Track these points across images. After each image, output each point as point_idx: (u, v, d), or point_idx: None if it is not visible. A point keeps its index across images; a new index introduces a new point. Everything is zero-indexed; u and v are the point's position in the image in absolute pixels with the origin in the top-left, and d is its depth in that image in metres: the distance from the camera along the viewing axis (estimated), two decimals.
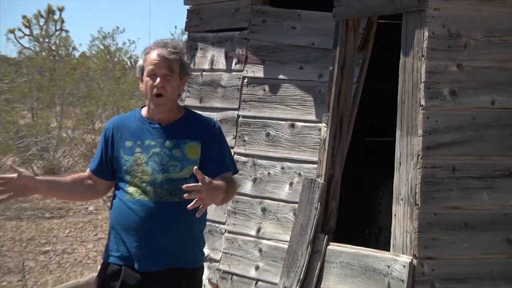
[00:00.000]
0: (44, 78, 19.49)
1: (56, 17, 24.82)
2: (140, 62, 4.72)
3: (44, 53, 22.81)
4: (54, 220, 13.13)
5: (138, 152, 4.68)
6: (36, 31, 24.61)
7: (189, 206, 4.07)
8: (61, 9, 24.93)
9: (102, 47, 22.15)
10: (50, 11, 24.59)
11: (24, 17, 24.23)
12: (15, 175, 4.28)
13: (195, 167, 4.27)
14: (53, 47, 23.69)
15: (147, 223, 4.67)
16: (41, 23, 24.84)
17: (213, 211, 5.89)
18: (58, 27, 24.92)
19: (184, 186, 4.19)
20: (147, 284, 4.65)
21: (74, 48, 23.53)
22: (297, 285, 5.18)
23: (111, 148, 4.74)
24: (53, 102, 19.53)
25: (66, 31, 25.75)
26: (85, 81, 19.33)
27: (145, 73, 4.62)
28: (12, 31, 23.09)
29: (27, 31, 24.57)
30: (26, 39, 24.83)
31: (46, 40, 24.44)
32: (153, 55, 4.66)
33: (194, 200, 4.07)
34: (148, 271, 4.62)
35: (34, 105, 19.28)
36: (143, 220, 4.67)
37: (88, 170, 4.69)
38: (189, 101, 6.28)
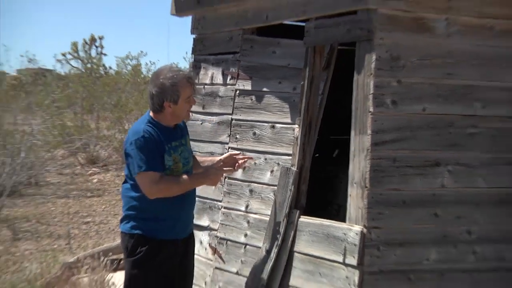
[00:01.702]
0: (86, 90, 19.51)
1: (97, 43, 24.94)
2: (177, 89, 4.77)
3: (87, 71, 22.96)
4: (94, 198, 13.28)
5: (173, 153, 4.86)
6: (81, 54, 24.79)
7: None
8: (101, 38, 25.17)
9: (130, 67, 22.18)
10: (92, 39, 24.71)
11: (73, 43, 24.43)
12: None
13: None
14: (94, 66, 23.87)
15: (186, 203, 5.00)
16: (86, 48, 24.99)
17: (212, 192, 6.07)
18: (98, 51, 25.00)
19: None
20: (180, 246, 5.00)
21: (110, 67, 23.59)
22: (275, 248, 5.19)
23: (160, 153, 4.80)
24: (92, 108, 19.52)
25: (105, 54, 25.86)
26: (117, 93, 19.33)
27: (181, 100, 4.79)
28: (64, 54, 23.31)
29: (75, 54, 24.82)
30: (73, 60, 25.00)
31: (89, 61, 24.65)
32: (190, 91, 4.90)
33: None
34: (182, 237, 5.00)
35: (78, 110, 19.25)
36: (184, 202, 4.96)
37: (157, 173, 4.69)
38: (194, 107, 6.32)
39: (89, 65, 23.56)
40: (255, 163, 5.65)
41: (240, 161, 5.18)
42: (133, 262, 4.83)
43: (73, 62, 24.62)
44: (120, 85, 20.07)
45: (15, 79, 20.50)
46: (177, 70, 4.87)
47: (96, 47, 25.28)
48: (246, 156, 5.33)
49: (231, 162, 5.12)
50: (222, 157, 5.21)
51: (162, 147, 4.73)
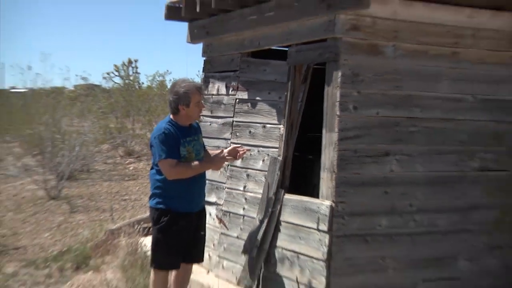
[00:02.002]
0: (124, 100, 19.70)
1: (133, 65, 25.07)
2: (182, 93, 4.99)
3: (125, 86, 23.22)
4: (130, 181, 13.45)
5: (187, 145, 5.00)
6: (121, 73, 25.06)
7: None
8: (136, 60, 25.30)
9: (158, 82, 22.39)
10: (129, 61, 24.92)
11: (115, 65, 24.72)
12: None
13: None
14: (131, 82, 24.14)
15: (198, 184, 5.10)
16: (124, 68, 25.22)
17: (218, 176, 6.18)
18: (134, 70, 25.11)
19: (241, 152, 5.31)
20: (194, 218, 5.11)
21: (142, 83, 23.83)
22: (266, 218, 5.31)
23: (176, 145, 4.92)
24: (129, 114, 19.68)
25: (139, 73, 26.08)
26: (148, 102, 19.50)
27: (192, 104, 4.98)
28: (108, 73, 23.58)
29: (116, 73, 25.01)
30: (116, 78, 25.22)
31: (127, 79, 24.86)
32: (199, 97, 5.07)
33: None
34: (196, 211, 5.12)
35: (118, 115, 19.37)
36: (197, 184, 5.09)
37: (174, 160, 4.90)
38: (204, 112, 6.47)
39: (127, 81, 23.75)
40: (250, 154, 5.67)
41: (240, 152, 5.30)
42: (158, 229, 5.04)
43: (115, 79, 24.91)
44: (150, 96, 20.21)
45: (72, 92, 20.72)
46: (189, 81, 5.13)
47: (132, 67, 25.37)
48: (245, 148, 5.42)
49: (234, 153, 5.27)
50: (226, 150, 5.33)
51: (178, 141, 4.93)
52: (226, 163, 5.76)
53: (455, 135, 5.33)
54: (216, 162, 5.21)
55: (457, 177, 5.31)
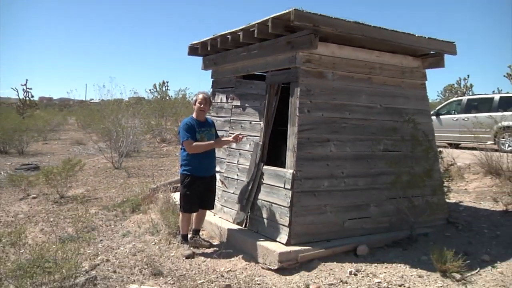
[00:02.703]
0: (159, 107, 19.38)
1: (165, 84, 24.47)
2: (194, 98, 5.01)
3: (160, 98, 22.93)
4: (164, 158, 12.99)
5: (201, 133, 4.83)
6: (158, 89, 24.63)
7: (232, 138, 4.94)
8: (167, 82, 24.76)
9: (181, 95, 22.08)
10: (163, 82, 24.38)
11: (154, 84, 24.25)
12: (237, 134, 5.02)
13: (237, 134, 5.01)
14: (164, 95, 23.77)
15: (209, 159, 4.92)
16: (159, 86, 24.74)
17: (221, 154, 5.90)
18: (166, 88, 24.52)
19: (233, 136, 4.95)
20: (207, 180, 4.92)
21: (171, 96, 23.43)
22: (252, 181, 5.14)
23: (194, 132, 4.76)
24: (163, 115, 19.33)
25: (169, 89, 25.68)
26: (174, 107, 19.21)
27: (197, 103, 4.90)
28: (149, 89, 23.34)
29: (154, 89, 24.50)
30: (155, 92, 24.83)
31: (161, 93, 24.44)
32: (201, 100, 4.96)
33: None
34: (208, 175, 4.93)
35: (157, 115, 19.00)
36: (208, 158, 4.91)
37: (192, 140, 4.77)
38: (213, 113, 6.28)
39: (161, 95, 23.45)
40: (242, 139, 5.44)
41: (240, 137, 5.02)
42: (183, 186, 4.89)
43: (154, 93, 24.48)
44: (176, 104, 19.90)
45: (127, 102, 20.40)
46: (201, 92, 5.03)
47: (165, 86, 24.95)
48: (242, 135, 5.11)
49: (235, 138, 5.01)
50: (231, 137, 5.09)
51: (195, 129, 4.82)
52: (226, 145, 5.58)
53: (369, 129, 5.20)
54: (219, 142, 5.05)
55: (370, 155, 5.18)
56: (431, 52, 5.64)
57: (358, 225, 5.00)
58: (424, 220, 5.24)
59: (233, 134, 5.25)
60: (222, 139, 5.21)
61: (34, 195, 7.95)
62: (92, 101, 24.02)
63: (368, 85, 5.22)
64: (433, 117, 11.64)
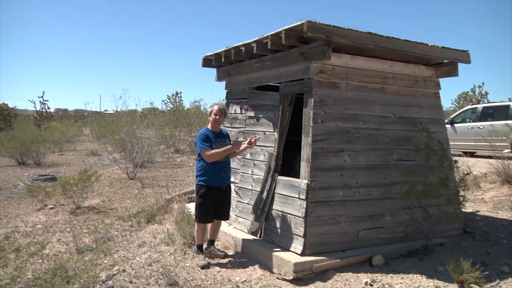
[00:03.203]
0: (174, 118, 19.59)
1: (179, 95, 24.88)
2: (210, 109, 5.05)
3: (174, 108, 23.30)
4: (178, 168, 13.09)
5: (216, 144, 4.87)
6: (172, 100, 25.02)
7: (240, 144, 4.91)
8: (180, 92, 25.27)
9: (195, 106, 22.37)
10: (176, 93, 24.74)
11: (168, 95, 24.70)
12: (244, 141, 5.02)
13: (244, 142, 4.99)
14: (178, 106, 24.13)
15: (223, 168, 4.91)
16: (173, 97, 25.15)
17: (236, 164, 5.91)
18: (179, 98, 24.86)
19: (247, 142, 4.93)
20: (222, 191, 4.93)
21: (185, 107, 23.78)
22: (267, 191, 5.14)
23: (210, 142, 4.81)
24: (176, 126, 19.53)
25: (182, 100, 26.02)
26: (189, 118, 19.40)
27: (212, 114, 4.95)
28: (163, 100, 23.88)
29: (168, 100, 24.89)
30: (168, 103, 25.20)
31: (174, 104, 24.81)
32: (216, 111, 5.01)
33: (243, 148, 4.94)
34: (223, 186, 4.93)
35: (171, 126, 19.15)
36: (223, 169, 4.92)
37: (209, 149, 4.82)
38: (226, 124, 6.34)
39: (175, 105, 23.70)
40: (257, 141, 5.24)
41: (253, 140, 5.00)
42: (198, 197, 4.92)
43: (168, 104, 24.81)
44: (189, 115, 20.10)
45: (141, 113, 20.63)
46: (216, 103, 5.10)
47: (178, 96, 25.27)
48: (255, 137, 5.08)
49: (249, 143, 4.98)
50: (245, 142, 5.06)
51: (211, 140, 4.88)
52: (241, 156, 5.65)
53: (383, 138, 5.18)
54: (234, 144, 4.96)
55: (384, 164, 5.15)
56: (445, 61, 5.63)
57: (372, 235, 4.99)
58: (439, 230, 5.19)
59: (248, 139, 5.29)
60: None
61: (51, 206, 8.10)
62: (106, 112, 24.40)
63: (382, 95, 5.23)
64: (448, 126, 11.53)
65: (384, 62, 5.25)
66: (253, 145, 5.07)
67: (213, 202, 4.93)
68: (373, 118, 5.13)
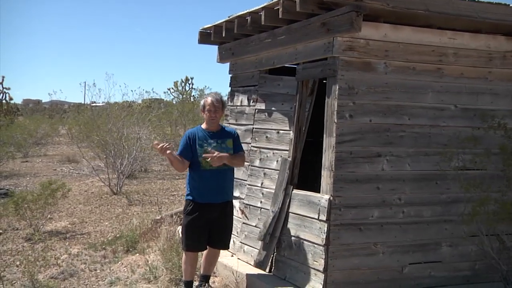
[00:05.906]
0: (178, 111, 20.30)
1: (189, 82, 25.68)
2: (202, 103, 5.35)
3: (182, 99, 24.09)
4: (180, 180, 13.55)
5: (206, 146, 5.10)
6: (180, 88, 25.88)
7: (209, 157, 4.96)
8: (192, 78, 25.95)
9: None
10: (187, 79, 25.53)
11: (175, 82, 25.37)
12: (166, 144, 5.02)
13: (210, 150, 5.05)
14: (187, 96, 24.84)
15: (213, 179, 5.11)
16: (182, 85, 26.01)
17: (241, 174, 6.18)
18: (190, 87, 25.68)
19: (204, 155, 5.00)
20: (216, 208, 5.15)
21: (195, 96, 24.35)
22: (278, 209, 5.32)
23: (192, 145, 5.07)
24: (180, 122, 20.08)
25: (194, 88, 26.76)
26: (194, 111, 19.98)
27: (205, 110, 5.22)
28: (168, 89, 24.35)
29: (175, 89, 25.86)
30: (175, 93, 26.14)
31: (183, 94, 25.65)
32: (209, 105, 5.23)
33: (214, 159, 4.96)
34: (217, 202, 5.16)
35: (172, 122, 19.77)
36: (212, 178, 5.11)
37: (180, 156, 5.11)
38: (231, 121, 6.60)
39: (184, 96, 24.36)
40: (267, 156, 5.64)
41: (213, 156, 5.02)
42: (184, 215, 5.22)
43: (174, 94, 25.56)
44: (196, 107, 20.60)
45: (138, 105, 21.14)
46: (211, 93, 5.39)
47: (189, 84, 25.94)
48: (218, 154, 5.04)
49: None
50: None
51: (195, 142, 5.13)
52: (247, 163, 5.92)
53: (438, 139, 5.26)
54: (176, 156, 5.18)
55: (440, 174, 5.21)
56: None
57: (424, 272, 5.08)
58: None
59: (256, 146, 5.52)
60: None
61: (0, 231, 8.49)
62: (94, 104, 25.01)
63: (437, 78, 5.27)
64: None
65: (441, 33, 5.28)
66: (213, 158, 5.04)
67: (204, 224, 5.13)
68: (424, 111, 5.19)
